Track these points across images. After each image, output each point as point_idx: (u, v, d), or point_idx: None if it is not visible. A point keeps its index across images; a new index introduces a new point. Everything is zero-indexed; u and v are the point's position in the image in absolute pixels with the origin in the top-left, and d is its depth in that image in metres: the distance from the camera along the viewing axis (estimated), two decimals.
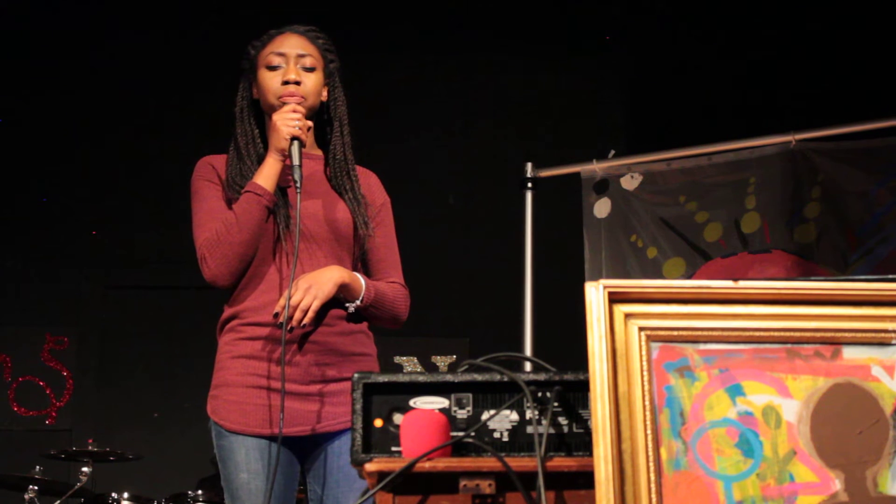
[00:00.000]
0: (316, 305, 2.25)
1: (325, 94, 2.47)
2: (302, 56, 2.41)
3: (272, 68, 2.40)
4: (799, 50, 5.23)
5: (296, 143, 2.32)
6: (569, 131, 5.52)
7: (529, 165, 4.43)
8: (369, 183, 2.54)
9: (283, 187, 2.38)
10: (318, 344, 2.32)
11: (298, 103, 2.37)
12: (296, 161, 2.30)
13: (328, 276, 2.30)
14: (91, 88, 5.62)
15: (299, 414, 2.29)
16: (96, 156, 5.62)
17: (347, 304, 2.36)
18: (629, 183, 4.32)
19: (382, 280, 2.45)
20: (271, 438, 2.28)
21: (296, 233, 2.30)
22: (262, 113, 2.47)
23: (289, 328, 2.25)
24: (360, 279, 2.37)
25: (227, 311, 2.39)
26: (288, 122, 2.32)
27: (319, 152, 2.51)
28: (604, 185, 4.37)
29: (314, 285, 2.26)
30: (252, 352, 2.32)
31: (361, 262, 2.47)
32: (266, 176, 2.33)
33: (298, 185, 2.28)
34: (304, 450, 2.36)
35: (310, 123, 2.40)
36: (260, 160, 2.39)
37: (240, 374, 2.32)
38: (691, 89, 5.41)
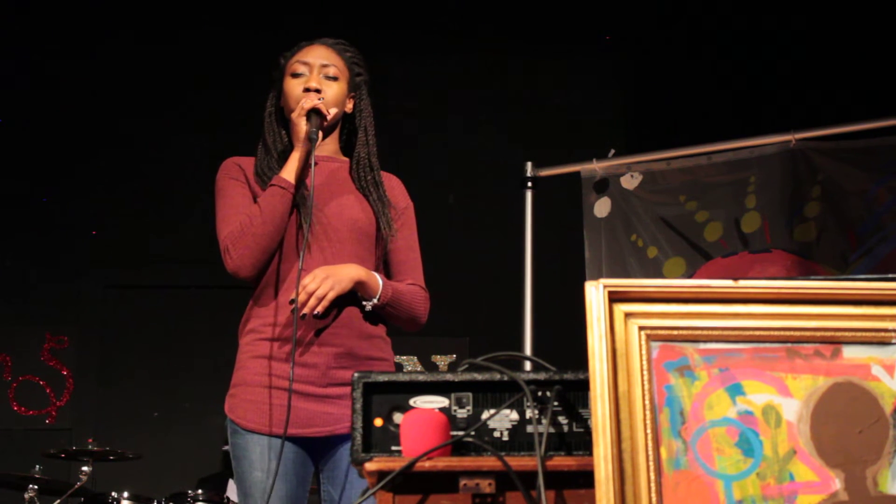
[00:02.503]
0: (331, 296, 2.28)
1: (349, 105, 2.53)
2: (325, 66, 2.47)
3: (296, 76, 2.47)
4: (799, 50, 5.22)
5: (314, 116, 2.36)
6: (569, 131, 5.51)
7: (529, 165, 4.43)
8: (392, 186, 2.59)
9: (307, 187, 2.40)
10: (337, 346, 2.34)
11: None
12: (312, 129, 2.34)
13: (346, 271, 2.33)
14: (91, 88, 5.62)
15: (316, 415, 2.31)
16: (96, 156, 5.61)
17: (365, 303, 2.37)
18: (629, 182, 4.32)
19: (403, 282, 2.48)
20: (290, 439, 2.30)
21: (310, 208, 2.33)
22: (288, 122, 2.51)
23: (301, 315, 2.26)
24: (378, 278, 2.39)
25: (249, 312, 2.42)
26: (306, 101, 2.37)
27: (345, 158, 2.55)
28: (604, 185, 4.37)
29: (331, 276, 2.29)
30: (271, 352, 2.34)
31: (383, 264, 2.50)
32: (290, 170, 2.38)
33: (314, 150, 2.32)
34: (317, 451, 2.38)
35: (332, 101, 2.43)
36: (287, 154, 2.43)
37: (258, 374, 2.34)
38: (691, 89, 5.41)
